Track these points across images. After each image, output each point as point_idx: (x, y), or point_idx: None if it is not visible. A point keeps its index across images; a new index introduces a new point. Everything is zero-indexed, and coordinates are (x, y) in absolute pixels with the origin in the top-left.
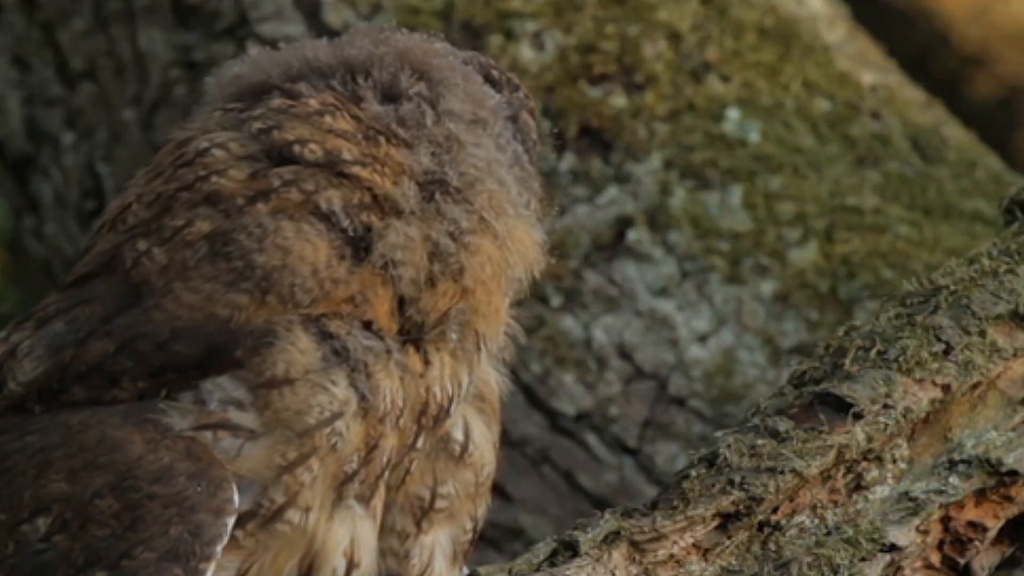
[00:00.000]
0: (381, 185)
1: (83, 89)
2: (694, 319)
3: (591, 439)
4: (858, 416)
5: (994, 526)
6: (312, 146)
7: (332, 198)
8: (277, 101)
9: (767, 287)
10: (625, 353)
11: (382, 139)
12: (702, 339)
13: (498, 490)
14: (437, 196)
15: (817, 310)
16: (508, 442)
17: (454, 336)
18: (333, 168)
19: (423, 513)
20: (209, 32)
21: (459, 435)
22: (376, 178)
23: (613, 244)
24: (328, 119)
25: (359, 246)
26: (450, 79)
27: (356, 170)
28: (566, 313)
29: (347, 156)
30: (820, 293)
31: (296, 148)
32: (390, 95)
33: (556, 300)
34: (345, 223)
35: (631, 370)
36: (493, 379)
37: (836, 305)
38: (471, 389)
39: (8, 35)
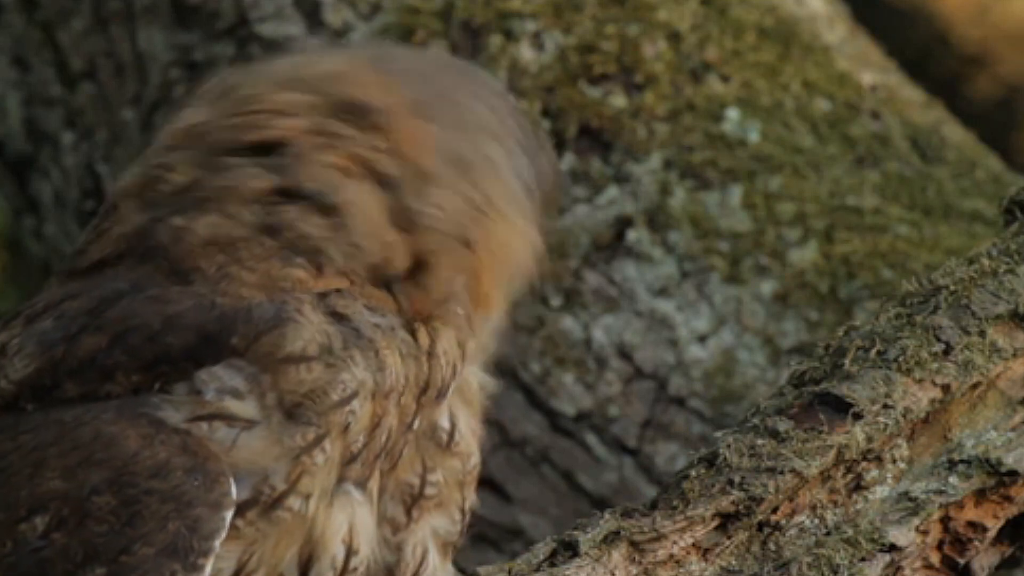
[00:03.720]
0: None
1: (83, 89)
2: (694, 319)
3: (591, 439)
4: (858, 416)
5: (994, 526)
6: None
7: (386, 162)
8: None
9: (767, 287)
10: (625, 353)
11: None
12: (702, 339)
13: (498, 490)
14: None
15: (817, 310)
16: (508, 442)
17: (459, 311)
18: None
19: (413, 500)
20: (209, 32)
21: (445, 423)
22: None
23: (613, 244)
24: None
25: (406, 215)
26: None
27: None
28: (566, 313)
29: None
30: (820, 293)
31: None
32: None
33: (556, 300)
34: (397, 186)
35: (631, 370)
36: (474, 378)
37: (836, 305)
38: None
39: (8, 35)
